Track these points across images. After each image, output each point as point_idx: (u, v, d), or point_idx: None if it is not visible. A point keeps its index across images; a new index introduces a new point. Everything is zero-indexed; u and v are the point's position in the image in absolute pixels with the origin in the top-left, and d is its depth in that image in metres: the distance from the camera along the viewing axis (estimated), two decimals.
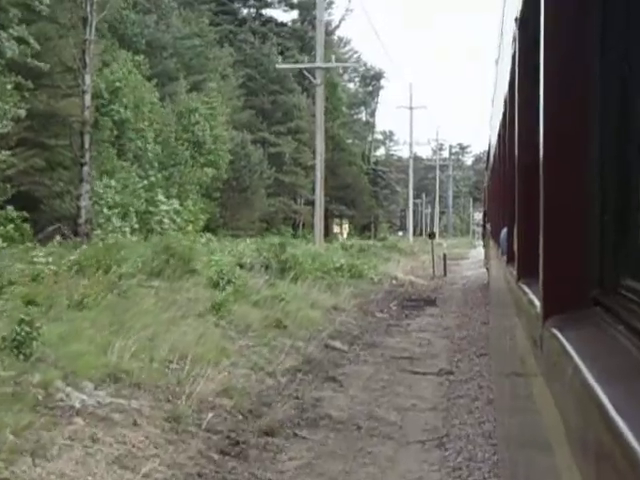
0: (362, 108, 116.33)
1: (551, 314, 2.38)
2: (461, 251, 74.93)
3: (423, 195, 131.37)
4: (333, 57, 53.14)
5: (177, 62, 51.10)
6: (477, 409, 11.35)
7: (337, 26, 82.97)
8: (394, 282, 32.13)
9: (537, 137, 2.56)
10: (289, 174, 64.91)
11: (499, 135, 8.80)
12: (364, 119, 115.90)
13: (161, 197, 37.56)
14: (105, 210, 33.03)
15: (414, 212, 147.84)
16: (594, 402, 1.45)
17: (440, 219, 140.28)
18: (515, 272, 4.23)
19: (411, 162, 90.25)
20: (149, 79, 42.40)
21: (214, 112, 46.87)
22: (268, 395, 11.38)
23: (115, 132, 36.37)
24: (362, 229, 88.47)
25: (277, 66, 52.14)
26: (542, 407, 2.49)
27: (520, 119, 4.18)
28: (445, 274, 37.78)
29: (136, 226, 33.63)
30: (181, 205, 38.34)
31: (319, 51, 37.42)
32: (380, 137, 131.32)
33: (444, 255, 39.02)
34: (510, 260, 5.38)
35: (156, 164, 39.66)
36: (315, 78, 37.73)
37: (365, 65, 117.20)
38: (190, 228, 37.18)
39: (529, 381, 3.10)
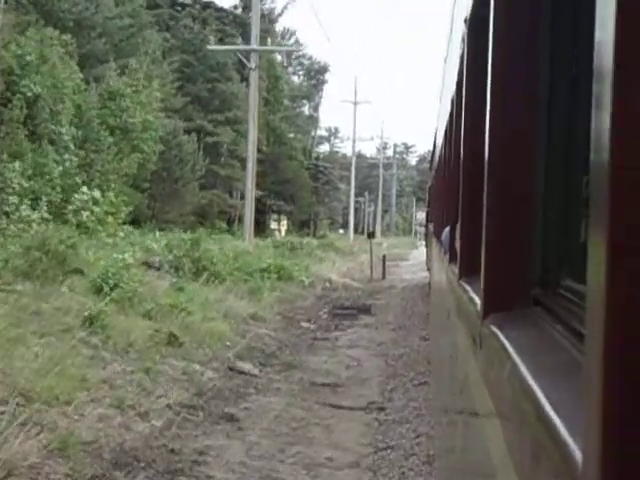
0: (305, 102, 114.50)
1: (491, 312, 2.45)
2: (402, 251, 72.84)
3: (366, 193, 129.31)
4: (269, 40, 49.89)
5: (106, 43, 48.77)
6: (411, 472, 8.31)
7: (280, 14, 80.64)
8: (327, 285, 30.11)
9: (483, 137, 2.64)
10: (225, 166, 62.32)
11: (445, 134, 8.84)
12: (307, 113, 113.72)
13: (82, 186, 34.06)
14: (12, 198, 29.46)
15: (357, 210, 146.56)
16: (529, 397, 1.53)
17: (383, 218, 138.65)
18: (457, 271, 4.27)
19: (354, 159, 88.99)
20: (80, 60, 40.59)
21: (143, 97, 44.42)
22: (130, 450, 8.15)
23: (26, 111, 32.65)
24: (301, 226, 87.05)
25: (209, 47, 50.18)
26: (479, 403, 2.57)
27: (466, 119, 4.21)
28: (384, 277, 35.52)
29: (47, 216, 29.94)
30: (103, 195, 34.80)
31: (254, 32, 34.40)
32: (325, 133, 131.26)
33: (383, 257, 36.84)
34: (452, 259, 5.42)
35: (74, 149, 36.08)
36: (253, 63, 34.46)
37: (310, 58, 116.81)
38: (111, 220, 33.54)
39: (468, 379, 3.13)
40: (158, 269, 19.49)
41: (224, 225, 60.85)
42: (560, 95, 2.29)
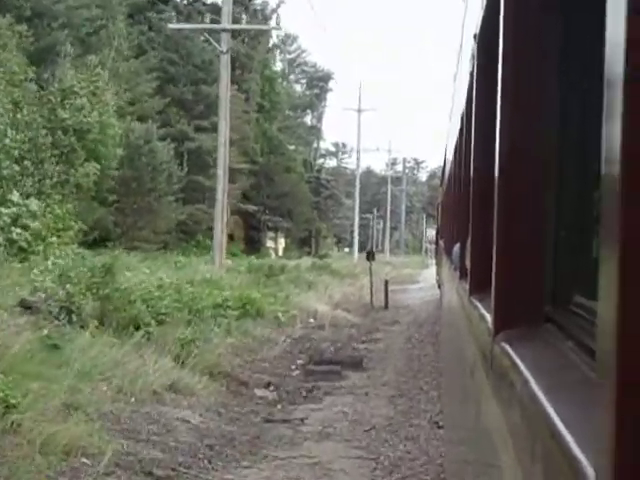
0: (308, 111, 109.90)
1: (502, 329, 2.55)
2: (411, 272, 67.86)
3: (374, 209, 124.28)
4: (245, 18, 44.62)
5: (69, 35, 43.65)
6: None
7: (274, 10, 75.62)
8: (311, 321, 24.73)
9: (493, 153, 2.79)
10: (212, 178, 56.70)
11: (455, 151, 9.09)
12: (310, 124, 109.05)
13: (14, 196, 28.00)
14: None
15: (364, 227, 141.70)
16: (541, 415, 1.61)
17: (392, 235, 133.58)
18: (467, 287, 4.40)
19: (358, 170, 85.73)
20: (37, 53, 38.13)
21: (108, 97, 39.38)
22: None
23: None
24: (302, 244, 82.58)
25: (170, 26, 44.46)
26: (491, 421, 2.70)
27: (477, 136, 4.32)
28: (386, 306, 31.40)
29: None
30: (47, 207, 28.64)
31: (225, 9, 29.27)
32: (332, 148, 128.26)
33: (386, 282, 32.48)
34: (463, 276, 5.55)
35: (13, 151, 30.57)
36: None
37: (315, 66, 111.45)
38: (54, 240, 27.15)
39: (479, 396, 3.28)
40: (36, 313, 13.01)
41: (211, 242, 54.90)
42: (571, 111, 2.41)
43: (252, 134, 63.51)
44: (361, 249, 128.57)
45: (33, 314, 13.19)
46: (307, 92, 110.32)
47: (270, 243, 73.20)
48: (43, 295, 14.12)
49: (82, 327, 12.95)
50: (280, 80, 79.30)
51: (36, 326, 12.43)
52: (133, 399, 10.93)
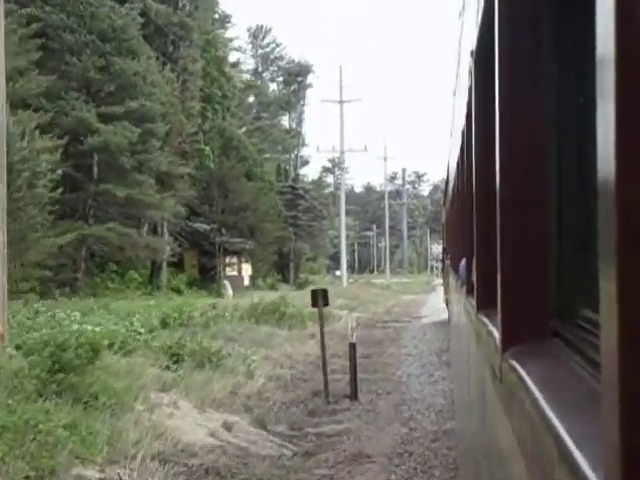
0: (285, 113, 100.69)
1: (510, 345, 2.58)
2: (413, 299, 58.40)
3: (374, 227, 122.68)
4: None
5: None
6: None
7: None
8: None
9: (494, 169, 2.82)
10: (129, 185, 43.46)
11: (457, 167, 9.40)
12: (288, 126, 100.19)
13: None
14: None
15: (365, 246, 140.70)
16: (550, 432, 1.63)
17: (394, 254, 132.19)
18: (475, 303, 4.46)
19: (343, 176, 78.32)
20: None
21: None
22: None
23: None
24: (278, 268, 70.22)
25: None
26: (502, 438, 2.71)
27: (477, 152, 4.39)
28: (355, 395, 16.77)
29: None
30: None
31: None
32: (328, 164, 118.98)
33: (352, 347, 17.23)
34: (469, 292, 5.67)
35: None
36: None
37: (293, 62, 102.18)
38: None
39: (489, 413, 3.33)
40: None
41: (137, 276, 46.47)
42: (570, 126, 2.41)
43: (197, 130, 52.84)
44: (361, 270, 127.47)
45: None
46: (284, 91, 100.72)
47: (233, 272, 59.63)
48: None
49: None
50: (225, 55, 65.13)
51: None
52: None
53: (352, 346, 17.21)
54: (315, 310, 18.09)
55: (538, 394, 1.86)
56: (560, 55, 2.44)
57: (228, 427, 13.49)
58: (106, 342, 14.81)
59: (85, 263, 41.97)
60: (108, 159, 42.09)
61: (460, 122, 7.03)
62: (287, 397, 17.07)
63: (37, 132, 31.81)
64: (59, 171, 33.62)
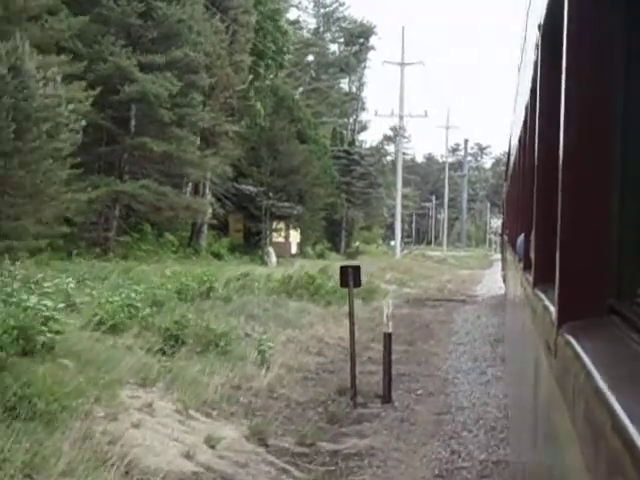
0: (345, 76, 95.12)
1: (566, 321, 2.56)
2: (469, 274, 54.07)
3: (433, 197, 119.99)
4: None
5: None
6: None
7: None
8: None
9: (558, 145, 2.76)
10: (167, 139, 39.15)
11: (519, 142, 9.33)
12: (348, 89, 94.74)
13: None
14: None
15: (425, 217, 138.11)
16: (605, 408, 1.61)
17: (453, 226, 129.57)
18: (531, 279, 4.43)
19: (400, 141, 75.28)
20: None
21: None
22: None
23: None
24: (330, 236, 66.44)
25: None
26: (554, 412, 2.72)
27: (541, 127, 4.36)
28: (389, 396, 13.70)
29: None
30: None
31: None
32: (390, 133, 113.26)
33: (387, 338, 13.99)
34: (527, 267, 5.60)
35: None
36: None
37: (356, 22, 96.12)
38: None
39: (543, 387, 3.35)
40: None
41: (172, 239, 43.44)
42: (636, 103, 2.37)
43: (249, 87, 48.28)
44: (418, 241, 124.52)
45: None
46: (345, 52, 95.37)
47: (280, 238, 55.61)
48: None
49: None
50: (281, 10, 57.59)
51: None
52: None
53: (387, 337, 13.96)
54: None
55: (593, 369, 1.85)
56: (631, 32, 2.39)
57: (213, 443, 10.06)
58: (54, 326, 11.46)
59: (118, 222, 38.88)
60: (147, 111, 38.24)
61: (524, 97, 7.03)
62: (305, 395, 13.91)
63: (59, 78, 28.57)
64: (83, 122, 29.79)
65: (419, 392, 14.57)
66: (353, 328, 14.18)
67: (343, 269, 14.53)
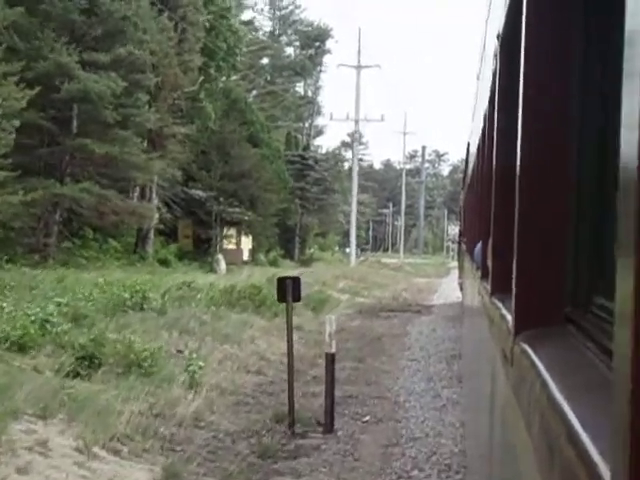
0: (301, 80, 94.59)
1: (523, 330, 2.58)
2: (426, 283, 52.47)
3: (390, 204, 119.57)
4: None
5: None
6: None
7: None
8: None
9: (515, 153, 2.78)
10: (113, 141, 37.82)
11: (477, 151, 9.34)
12: (303, 93, 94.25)
13: None
14: None
15: (382, 224, 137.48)
16: (559, 416, 1.62)
17: (410, 233, 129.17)
18: (489, 287, 4.44)
19: (354, 149, 72.75)
20: None
21: None
22: None
23: None
24: (284, 243, 64.87)
25: None
26: (510, 421, 2.69)
27: (498, 136, 4.43)
28: (331, 425, 11.95)
29: None
30: None
31: None
32: (347, 139, 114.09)
33: (329, 358, 12.05)
34: (484, 275, 5.65)
35: None
36: None
37: (311, 25, 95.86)
38: None
39: (500, 397, 3.32)
40: None
41: (116, 245, 42.24)
42: (592, 110, 2.40)
43: (199, 88, 47.28)
44: (375, 248, 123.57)
45: None
46: (300, 55, 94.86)
47: (230, 245, 54.44)
48: None
49: None
50: (230, 7, 55.49)
51: None
52: None
53: (330, 357, 12.01)
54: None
55: (548, 377, 1.87)
56: (588, 40, 2.43)
57: None
58: None
59: (59, 227, 37.41)
60: (90, 111, 36.80)
61: (483, 105, 7.00)
62: (237, 423, 12.10)
63: None
64: (16, 122, 28.86)
65: (366, 418, 12.93)
66: (291, 349, 12.33)
67: (280, 281, 12.57)
